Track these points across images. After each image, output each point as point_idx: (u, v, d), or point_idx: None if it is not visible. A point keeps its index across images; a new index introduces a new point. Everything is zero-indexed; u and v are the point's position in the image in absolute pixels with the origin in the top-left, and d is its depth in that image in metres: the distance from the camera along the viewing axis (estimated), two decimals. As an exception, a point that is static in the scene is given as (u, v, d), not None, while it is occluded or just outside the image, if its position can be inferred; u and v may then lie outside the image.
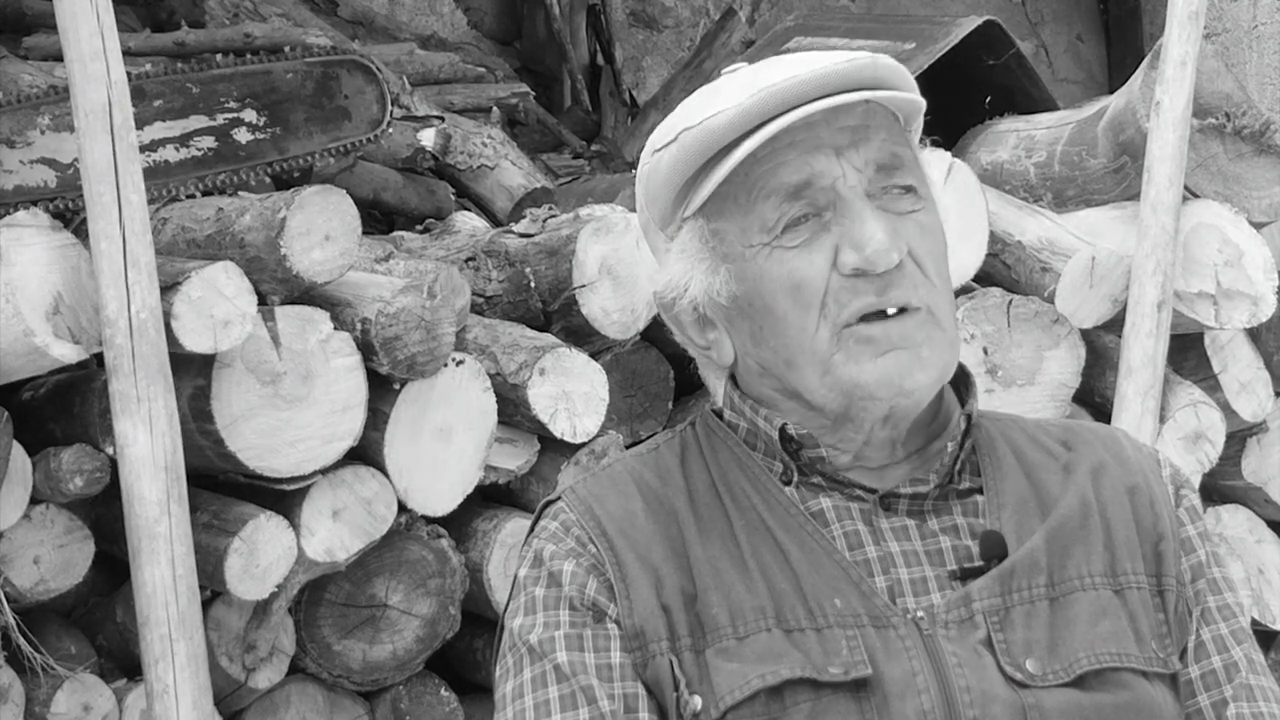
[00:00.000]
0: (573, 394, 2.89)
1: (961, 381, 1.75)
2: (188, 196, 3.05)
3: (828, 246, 1.62)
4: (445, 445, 2.83)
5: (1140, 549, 1.67)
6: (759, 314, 1.65)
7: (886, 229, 1.61)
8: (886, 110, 1.67)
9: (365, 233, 3.00)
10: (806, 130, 1.62)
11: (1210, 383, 3.37)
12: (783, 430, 1.67)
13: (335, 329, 2.73)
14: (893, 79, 1.65)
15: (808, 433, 1.67)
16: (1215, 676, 1.66)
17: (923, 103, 1.69)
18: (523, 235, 3.16)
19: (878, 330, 1.61)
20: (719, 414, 1.76)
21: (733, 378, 1.76)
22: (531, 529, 1.71)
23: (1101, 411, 3.29)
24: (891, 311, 1.61)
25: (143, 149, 2.89)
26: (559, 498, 1.70)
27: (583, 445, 2.95)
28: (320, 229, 2.70)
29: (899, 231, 1.62)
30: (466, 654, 3.07)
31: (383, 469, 2.79)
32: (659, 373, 3.17)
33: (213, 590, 2.72)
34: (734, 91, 1.63)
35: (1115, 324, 3.26)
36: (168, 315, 2.55)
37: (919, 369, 1.62)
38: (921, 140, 1.73)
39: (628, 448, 2.94)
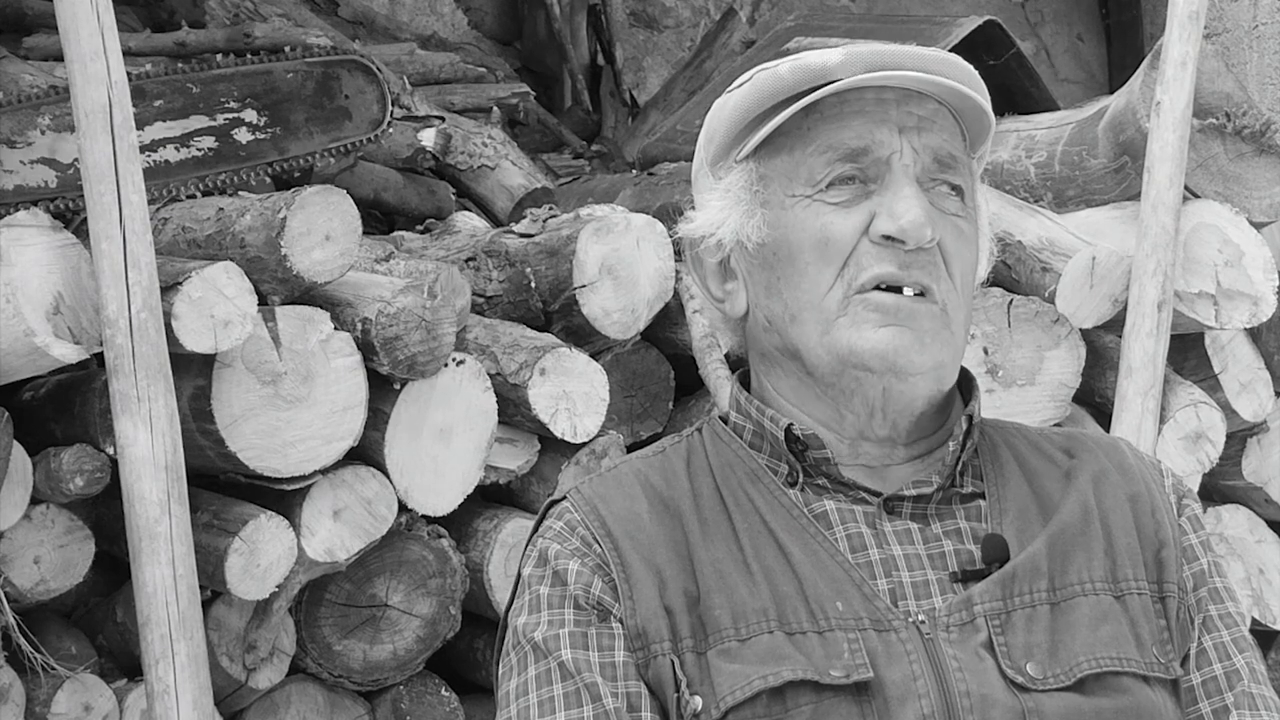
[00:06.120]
0: (573, 394, 2.89)
1: (964, 383, 1.76)
2: (188, 196, 3.05)
3: (865, 211, 1.65)
4: (446, 445, 2.83)
5: (1141, 556, 1.68)
6: (781, 263, 1.67)
7: (927, 209, 1.63)
8: (955, 120, 1.70)
9: (365, 233, 3.00)
10: (878, 104, 1.65)
11: (1210, 383, 3.37)
12: (788, 431, 1.67)
13: (336, 329, 2.73)
14: (978, 87, 1.69)
15: (813, 433, 1.67)
16: (1217, 683, 1.66)
17: (993, 123, 1.73)
18: (523, 235, 3.16)
19: (889, 300, 1.63)
20: (725, 419, 1.76)
21: (740, 380, 1.77)
22: (536, 528, 1.71)
23: (1102, 412, 3.29)
24: (909, 293, 1.62)
25: (143, 149, 2.89)
26: (564, 498, 1.70)
27: (583, 445, 2.94)
28: (321, 229, 2.71)
29: (938, 222, 1.64)
30: (467, 654, 3.07)
31: (383, 469, 2.79)
32: (659, 373, 3.17)
33: (213, 590, 2.72)
34: (819, 52, 1.67)
35: (1115, 324, 3.25)
36: (168, 315, 2.55)
37: (918, 351, 1.63)
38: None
39: (630, 449, 2.94)
